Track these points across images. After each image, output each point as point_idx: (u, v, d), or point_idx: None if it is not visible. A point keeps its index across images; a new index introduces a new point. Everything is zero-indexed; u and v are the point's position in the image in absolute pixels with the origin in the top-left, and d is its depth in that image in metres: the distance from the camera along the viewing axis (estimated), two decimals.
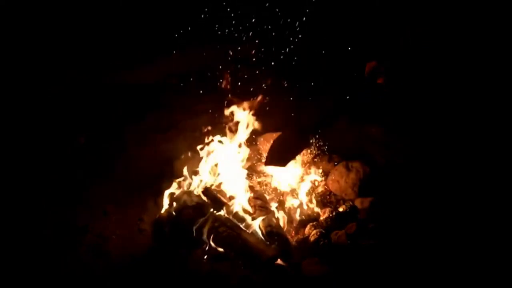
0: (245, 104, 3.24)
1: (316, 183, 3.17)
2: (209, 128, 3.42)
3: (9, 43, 5.44)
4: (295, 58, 4.21)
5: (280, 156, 2.75)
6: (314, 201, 3.03)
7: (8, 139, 3.81)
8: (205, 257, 2.57)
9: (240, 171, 3.12)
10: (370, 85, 2.71)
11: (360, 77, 2.77)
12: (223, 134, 3.28)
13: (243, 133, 3.25)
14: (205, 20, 4.52)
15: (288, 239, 2.69)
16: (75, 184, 3.28)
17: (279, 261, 2.50)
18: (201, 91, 4.53)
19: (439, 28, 2.78)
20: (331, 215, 2.89)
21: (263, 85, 3.81)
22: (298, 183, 3.15)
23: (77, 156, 3.66)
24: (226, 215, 2.73)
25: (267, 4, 4.34)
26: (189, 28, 4.62)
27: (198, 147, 3.26)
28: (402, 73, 2.75)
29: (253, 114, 3.21)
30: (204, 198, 2.87)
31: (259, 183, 3.23)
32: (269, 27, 4.42)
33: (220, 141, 3.22)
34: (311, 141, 3.07)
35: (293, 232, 2.84)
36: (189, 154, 3.41)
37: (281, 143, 2.77)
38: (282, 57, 4.23)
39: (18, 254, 2.62)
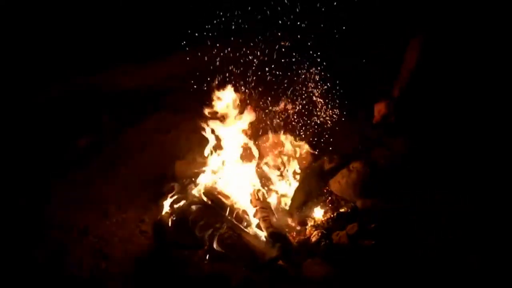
0: (248, 105, 3.26)
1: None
2: (211, 129, 3.41)
3: (8, 44, 5.46)
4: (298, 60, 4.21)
5: (300, 202, 3.03)
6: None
7: (9, 140, 3.82)
8: (206, 258, 2.57)
9: (241, 171, 3.13)
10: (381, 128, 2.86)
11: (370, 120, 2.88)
12: (224, 135, 3.28)
13: (244, 134, 3.26)
14: (205, 21, 4.52)
15: (289, 240, 2.69)
16: (76, 186, 3.28)
17: (280, 262, 2.50)
18: (201, 92, 4.53)
19: (439, 28, 2.78)
20: (332, 215, 2.89)
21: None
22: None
23: (78, 158, 3.67)
24: (227, 216, 2.74)
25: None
26: (189, 30, 4.62)
27: (200, 148, 3.26)
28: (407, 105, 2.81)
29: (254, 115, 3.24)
30: (205, 199, 2.87)
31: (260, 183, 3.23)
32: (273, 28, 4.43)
33: (221, 142, 3.23)
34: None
35: (294, 233, 2.83)
36: (191, 155, 3.41)
37: (302, 190, 3.04)
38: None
39: (19, 256, 2.63)
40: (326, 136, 3.62)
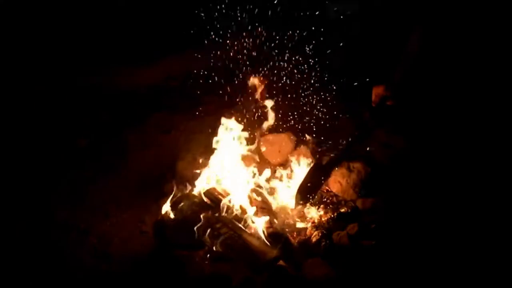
0: (247, 105, 3.27)
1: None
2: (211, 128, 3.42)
3: (9, 44, 5.46)
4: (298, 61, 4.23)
5: (306, 194, 2.97)
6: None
7: (10, 141, 3.82)
8: (207, 258, 2.57)
9: (241, 172, 3.13)
10: (380, 111, 2.80)
11: (368, 104, 2.87)
12: (225, 135, 3.28)
13: (244, 134, 3.27)
14: (205, 22, 4.54)
15: (289, 240, 2.69)
16: (76, 186, 3.28)
17: (281, 262, 2.50)
18: (201, 93, 4.55)
19: (439, 31, 2.79)
20: (332, 216, 2.89)
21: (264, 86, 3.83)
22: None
23: (78, 158, 3.67)
24: (227, 216, 2.74)
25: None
26: (189, 31, 4.63)
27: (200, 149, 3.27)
28: (407, 87, 2.78)
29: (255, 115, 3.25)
30: (206, 199, 2.87)
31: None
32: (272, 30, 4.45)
33: (221, 142, 3.23)
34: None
35: (295, 233, 2.84)
36: (191, 155, 3.41)
37: (306, 184, 2.96)
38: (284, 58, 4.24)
39: (20, 257, 2.63)
40: (325, 130, 3.64)
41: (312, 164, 3.18)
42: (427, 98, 3.14)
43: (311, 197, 2.99)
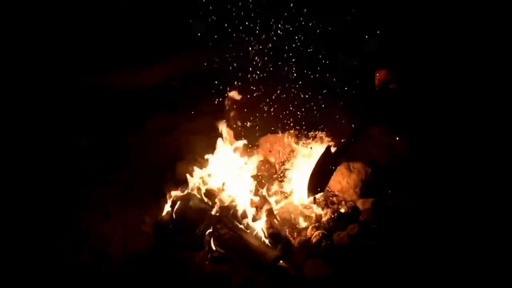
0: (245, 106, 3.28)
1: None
2: (212, 129, 3.41)
3: (12, 45, 5.47)
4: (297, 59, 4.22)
5: (318, 184, 2.91)
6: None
7: (11, 141, 3.82)
8: (207, 258, 2.57)
9: (242, 173, 3.12)
10: (383, 94, 2.77)
11: (371, 86, 2.85)
12: (225, 135, 3.28)
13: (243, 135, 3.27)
14: (204, 23, 4.54)
15: (290, 241, 2.69)
16: (77, 186, 3.28)
17: (281, 262, 2.50)
18: (201, 93, 4.55)
19: (440, 31, 2.79)
20: (333, 216, 2.89)
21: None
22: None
23: (79, 158, 3.67)
24: (228, 217, 2.73)
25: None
26: (189, 32, 4.63)
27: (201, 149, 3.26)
28: (408, 75, 2.77)
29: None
30: (206, 200, 2.87)
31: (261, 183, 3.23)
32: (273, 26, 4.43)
33: (221, 143, 3.23)
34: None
35: (295, 234, 2.83)
36: (191, 155, 3.41)
37: (317, 172, 2.90)
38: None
39: (21, 257, 2.63)
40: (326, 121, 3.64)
41: (320, 155, 3.13)
42: (427, 81, 3.12)
43: (322, 188, 2.95)
